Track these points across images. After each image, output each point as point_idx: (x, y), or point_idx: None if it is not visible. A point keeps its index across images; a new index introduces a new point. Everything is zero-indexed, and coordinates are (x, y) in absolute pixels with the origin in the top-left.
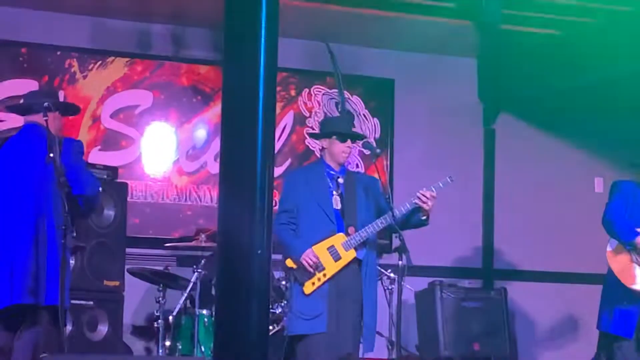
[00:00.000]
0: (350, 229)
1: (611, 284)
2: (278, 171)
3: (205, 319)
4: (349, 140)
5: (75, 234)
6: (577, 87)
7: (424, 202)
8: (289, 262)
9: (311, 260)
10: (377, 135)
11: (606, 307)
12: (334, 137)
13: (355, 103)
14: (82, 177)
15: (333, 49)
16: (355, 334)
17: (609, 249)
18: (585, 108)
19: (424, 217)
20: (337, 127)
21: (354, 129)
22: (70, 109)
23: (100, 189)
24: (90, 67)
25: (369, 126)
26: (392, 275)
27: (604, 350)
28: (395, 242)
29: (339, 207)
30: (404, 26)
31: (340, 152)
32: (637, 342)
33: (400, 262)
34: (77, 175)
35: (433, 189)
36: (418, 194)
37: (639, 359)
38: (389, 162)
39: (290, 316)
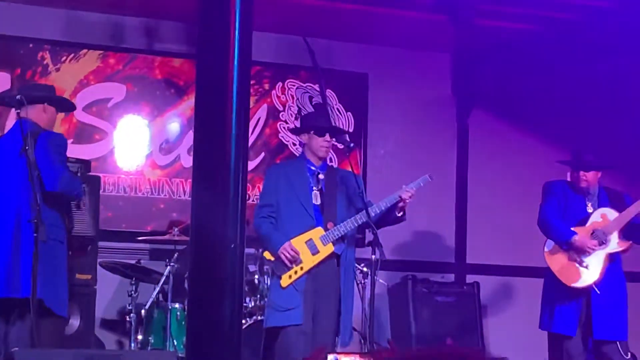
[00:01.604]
0: (329, 224)
1: (550, 284)
2: (251, 165)
3: (178, 313)
4: (327, 135)
5: (72, 226)
6: (551, 83)
7: (403, 200)
8: (267, 254)
9: (289, 253)
10: (351, 130)
11: (547, 306)
12: (313, 132)
13: (329, 97)
14: (52, 172)
15: (311, 45)
16: (331, 328)
17: (545, 249)
18: (559, 104)
19: (401, 214)
20: (315, 122)
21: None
22: (64, 105)
23: (84, 186)
24: (62, 60)
25: (342, 120)
26: (365, 269)
27: (552, 349)
28: (369, 237)
29: (318, 202)
30: (378, 20)
31: (319, 146)
32: (581, 339)
33: (373, 256)
34: (47, 169)
35: (413, 187)
36: (398, 196)
37: (585, 356)
38: (362, 156)
39: (267, 309)
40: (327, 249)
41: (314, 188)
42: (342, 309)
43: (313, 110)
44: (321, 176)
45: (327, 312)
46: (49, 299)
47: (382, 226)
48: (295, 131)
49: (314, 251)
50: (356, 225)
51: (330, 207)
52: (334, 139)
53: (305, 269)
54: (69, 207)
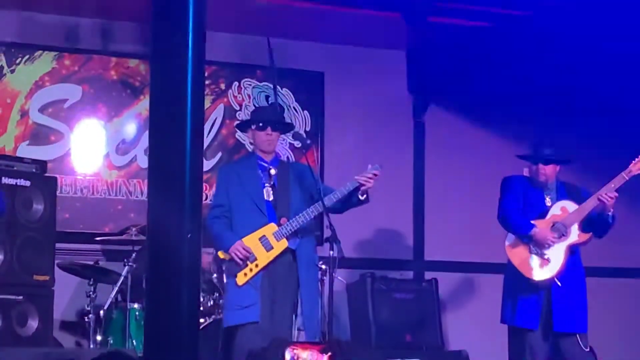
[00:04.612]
0: (283, 220)
1: (511, 277)
2: (209, 165)
3: (137, 313)
4: (269, 128)
5: None
6: (507, 79)
7: (366, 181)
8: (221, 254)
9: (240, 252)
10: (308, 128)
11: (508, 300)
12: (254, 126)
13: (285, 96)
14: None
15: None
16: (289, 323)
17: (507, 243)
18: (514, 100)
19: (364, 197)
20: (255, 117)
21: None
22: None
23: None
24: (17, 62)
25: (299, 119)
26: (323, 266)
27: (513, 343)
28: (327, 233)
29: (271, 198)
30: (333, 19)
31: (262, 141)
32: (542, 332)
33: (331, 252)
34: None
35: (378, 167)
36: (359, 177)
37: (546, 348)
38: (319, 154)
39: (224, 309)
40: (281, 245)
41: (266, 184)
42: (303, 303)
43: None
44: (273, 171)
45: (284, 307)
46: None
47: (345, 210)
48: (238, 127)
49: (268, 247)
50: (309, 218)
51: (283, 202)
52: (277, 133)
53: (261, 265)
54: None
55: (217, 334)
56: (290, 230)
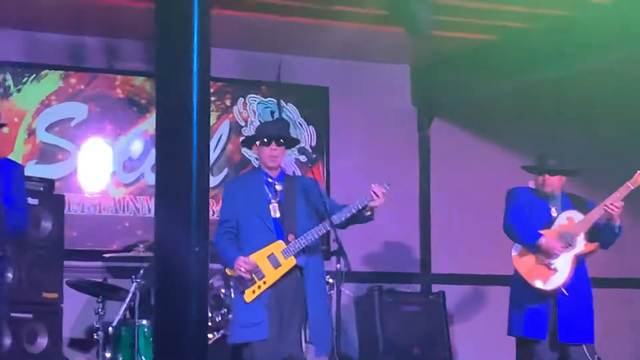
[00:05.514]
0: (290, 237)
1: (518, 288)
2: (215, 181)
3: (145, 329)
4: (273, 143)
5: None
6: (510, 92)
7: (377, 197)
8: (228, 271)
9: (244, 267)
10: (313, 143)
11: (516, 311)
12: (258, 142)
13: (291, 111)
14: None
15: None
16: (298, 339)
17: (513, 253)
18: (518, 112)
19: (369, 214)
20: (259, 132)
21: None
22: None
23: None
24: (24, 81)
25: (304, 134)
26: (330, 280)
27: (520, 354)
28: (333, 247)
29: (277, 215)
30: (337, 34)
31: (267, 156)
32: (550, 342)
33: (338, 266)
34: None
35: (386, 185)
36: (370, 198)
37: (555, 358)
38: (325, 169)
39: (232, 325)
40: (289, 262)
41: (272, 200)
42: (310, 318)
43: None
44: (279, 187)
45: (292, 323)
46: None
47: (348, 226)
48: (243, 143)
49: (276, 265)
50: (318, 235)
51: (290, 218)
52: (281, 147)
53: (269, 283)
54: None
55: (225, 349)
56: (299, 247)
